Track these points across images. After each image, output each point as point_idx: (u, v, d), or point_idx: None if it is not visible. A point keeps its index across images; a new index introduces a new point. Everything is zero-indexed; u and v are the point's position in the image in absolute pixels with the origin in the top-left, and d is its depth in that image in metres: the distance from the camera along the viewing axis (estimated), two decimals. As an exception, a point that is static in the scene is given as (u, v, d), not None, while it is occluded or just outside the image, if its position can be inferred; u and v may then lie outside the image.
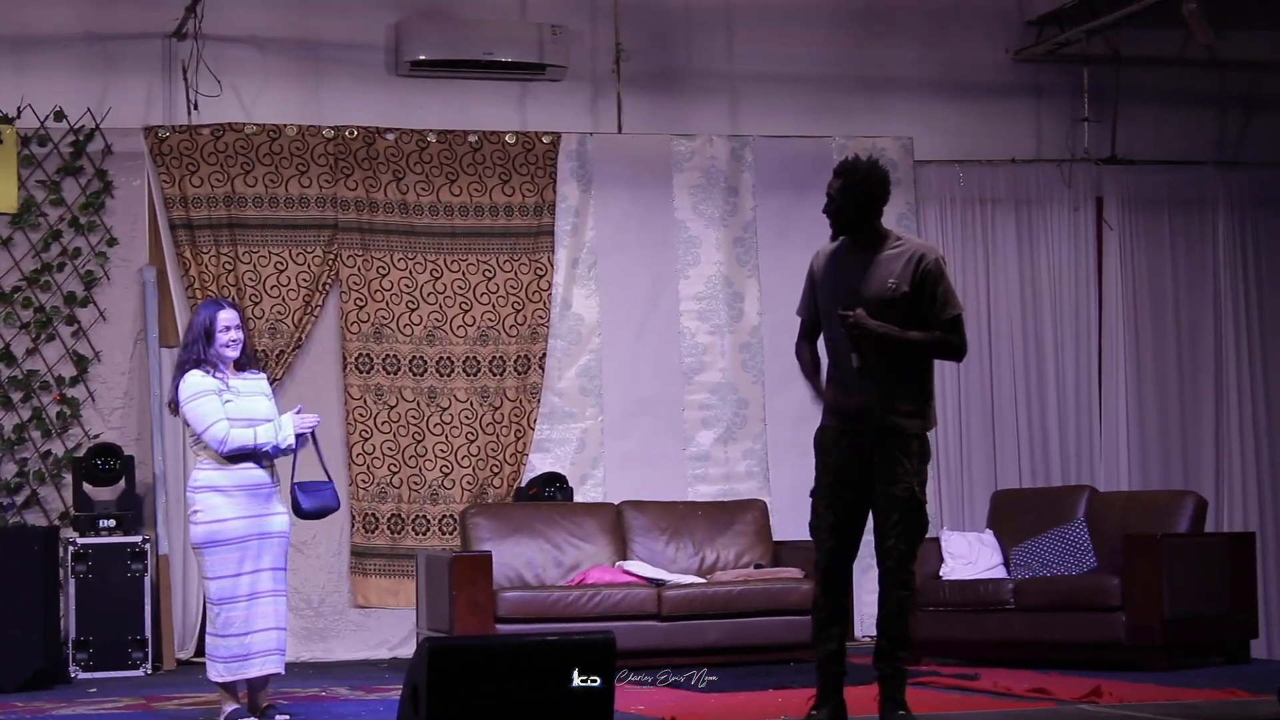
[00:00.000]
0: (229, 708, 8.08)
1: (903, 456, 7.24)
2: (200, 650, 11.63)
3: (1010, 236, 13.16)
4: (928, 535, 11.32)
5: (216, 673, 8.08)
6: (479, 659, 6.65)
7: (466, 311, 12.11)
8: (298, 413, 8.15)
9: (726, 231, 12.55)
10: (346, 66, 12.23)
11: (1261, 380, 13.50)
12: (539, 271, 12.23)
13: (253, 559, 8.01)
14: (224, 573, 7.99)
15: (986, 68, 13.27)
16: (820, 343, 7.46)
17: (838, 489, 7.31)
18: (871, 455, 7.25)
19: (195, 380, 8.03)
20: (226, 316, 8.12)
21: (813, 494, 7.41)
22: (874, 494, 7.29)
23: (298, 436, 8.11)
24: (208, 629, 8.15)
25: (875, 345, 7.17)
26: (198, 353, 8.07)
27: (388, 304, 11.98)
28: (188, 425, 8.15)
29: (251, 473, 8.05)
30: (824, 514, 7.33)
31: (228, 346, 8.08)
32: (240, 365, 8.21)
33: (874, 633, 7.57)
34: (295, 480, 8.19)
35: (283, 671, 8.19)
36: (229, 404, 8.00)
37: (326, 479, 8.27)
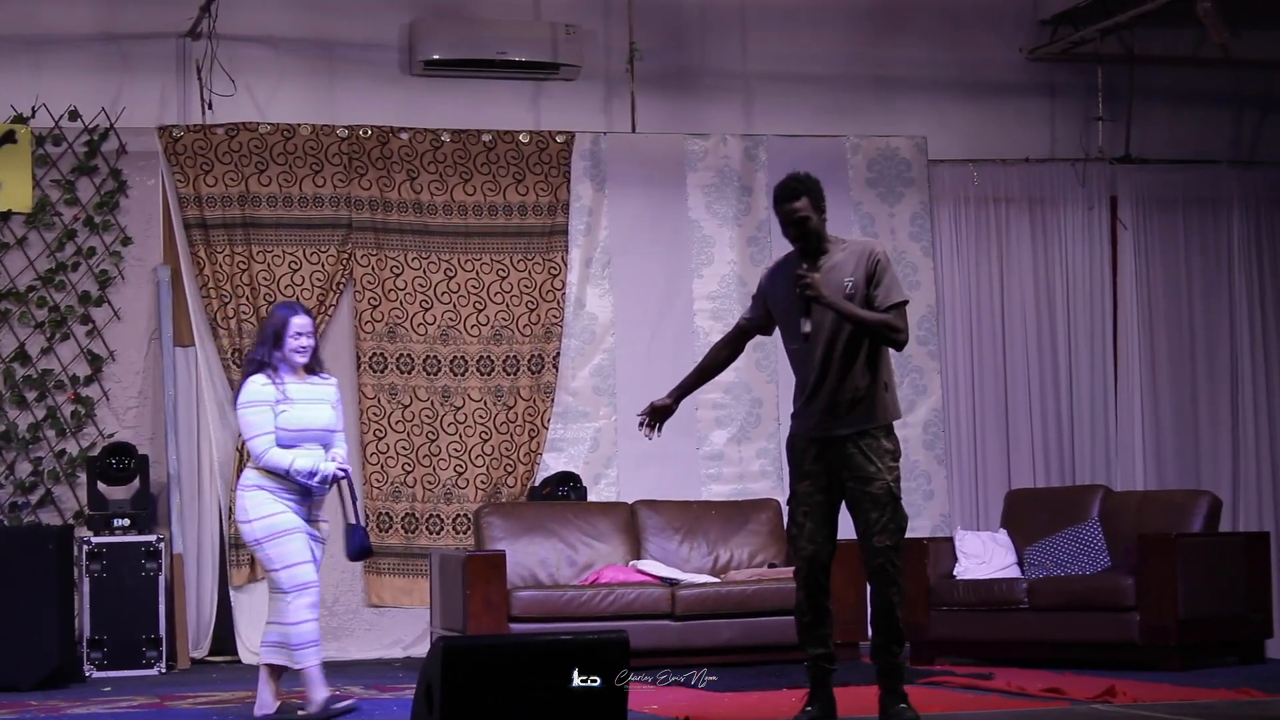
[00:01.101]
0: (274, 704, 8.07)
1: (873, 456, 7.30)
2: (215, 649, 11.67)
3: (1024, 236, 13.15)
4: (941, 535, 11.46)
5: (281, 657, 8.06)
6: (493, 658, 6.66)
7: (480, 311, 12.12)
8: (333, 460, 8.13)
9: (740, 231, 12.55)
10: (360, 66, 12.24)
11: (1278, 379, 13.47)
12: (553, 271, 12.23)
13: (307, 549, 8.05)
14: (296, 560, 7.98)
15: (1000, 67, 13.26)
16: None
17: (813, 495, 7.36)
18: (841, 460, 7.30)
19: (254, 388, 8.05)
20: (299, 322, 8.10)
21: (789, 501, 7.47)
22: (849, 497, 7.34)
23: (333, 481, 8.09)
24: (271, 618, 8.11)
25: (831, 335, 7.23)
26: (263, 355, 8.09)
27: (401, 303, 11.99)
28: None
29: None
30: (801, 521, 7.39)
31: (296, 352, 8.08)
32: (309, 369, 8.21)
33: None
34: (348, 520, 8.20)
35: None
36: (284, 414, 8.01)
37: (356, 522, 8.24)
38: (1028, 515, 11.06)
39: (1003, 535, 11.00)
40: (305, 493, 8.09)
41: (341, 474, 8.11)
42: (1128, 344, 13.18)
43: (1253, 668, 9.98)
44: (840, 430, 7.29)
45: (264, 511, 8.01)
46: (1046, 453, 12.98)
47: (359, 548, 8.24)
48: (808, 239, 7.33)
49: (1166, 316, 13.30)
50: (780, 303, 7.44)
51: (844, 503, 7.39)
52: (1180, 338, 13.32)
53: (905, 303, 7.37)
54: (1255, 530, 12.64)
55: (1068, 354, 13.07)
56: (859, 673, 9.14)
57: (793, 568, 10.90)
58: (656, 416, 7.66)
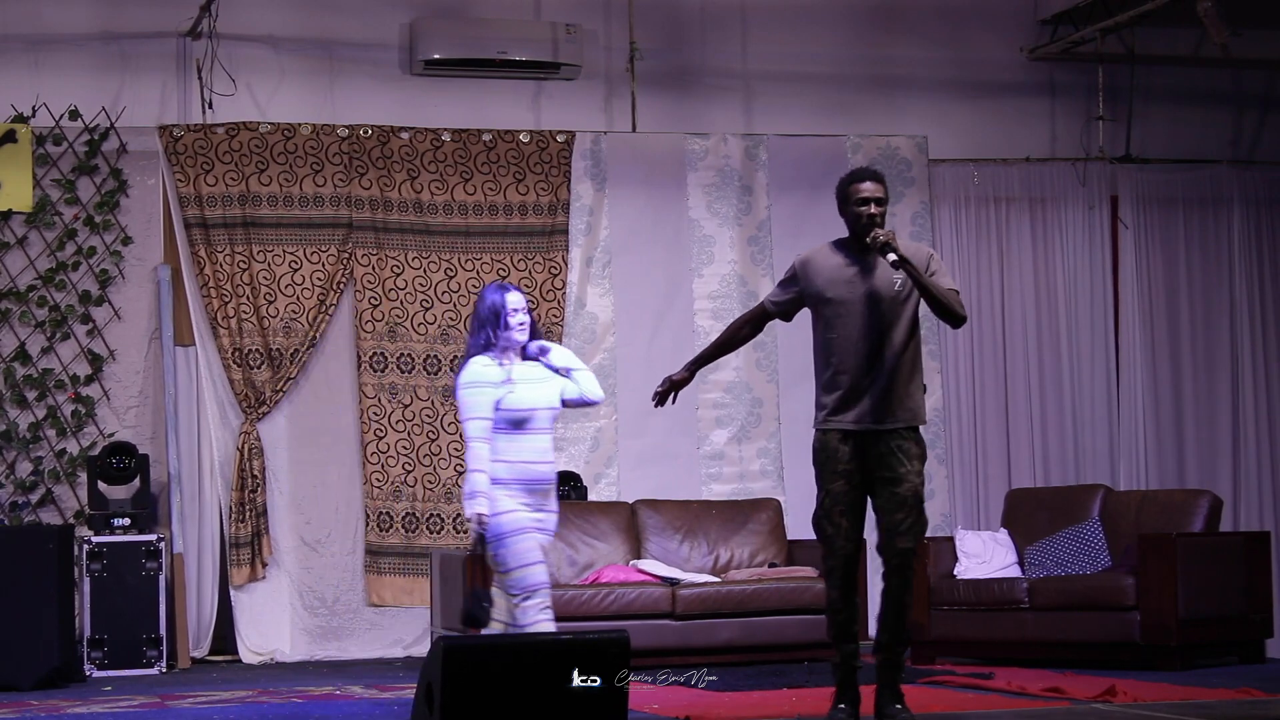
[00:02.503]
0: None
1: (903, 457, 7.37)
2: (215, 649, 11.68)
3: (1025, 235, 13.14)
4: (941, 535, 11.47)
5: None
6: (493, 658, 6.66)
7: (481, 310, 12.10)
8: (479, 518, 7.68)
9: (741, 230, 12.55)
10: (361, 65, 12.24)
11: (1278, 379, 13.47)
12: (553, 270, 12.24)
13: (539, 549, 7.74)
14: (529, 560, 7.62)
15: (1001, 66, 13.26)
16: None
17: (849, 493, 7.38)
18: (875, 457, 7.34)
19: (477, 369, 7.73)
20: (515, 299, 7.81)
21: (823, 499, 7.44)
22: (877, 494, 7.38)
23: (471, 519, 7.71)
24: (499, 616, 7.73)
25: (882, 331, 7.27)
26: (488, 337, 7.77)
27: (402, 303, 11.98)
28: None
29: (534, 467, 7.78)
30: (838, 520, 7.38)
31: (518, 329, 7.79)
32: (523, 350, 7.92)
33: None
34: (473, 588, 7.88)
35: None
36: (511, 395, 7.71)
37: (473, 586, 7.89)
38: (1028, 515, 11.06)
39: (1003, 535, 11.01)
40: (532, 481, 7.76)
41: (479, 527, 7.61)
42: (1128, 343, 13.18)
43: (1253, 667, 9.98)
44: (879, 427, 7.33)
45: (498, 509, 7.62)
46: (1047, 452, 12.98)
47: (467, 613, 7.73)
48: (873, 222, 7.34)
49: (1167, 315, 13.30)
50: (837, 288, 7.35)
51: (868, 498, 7.42)
52: (1181, 336, 13.32)
53: (958, 292, 7.46)
54: (1255, 530, 12.64)
55: (1068, 353, 13.07)
56: (860, 671, 9.15)
57: (793, 567, 11.03)
58: (674, 388, 7.74)
